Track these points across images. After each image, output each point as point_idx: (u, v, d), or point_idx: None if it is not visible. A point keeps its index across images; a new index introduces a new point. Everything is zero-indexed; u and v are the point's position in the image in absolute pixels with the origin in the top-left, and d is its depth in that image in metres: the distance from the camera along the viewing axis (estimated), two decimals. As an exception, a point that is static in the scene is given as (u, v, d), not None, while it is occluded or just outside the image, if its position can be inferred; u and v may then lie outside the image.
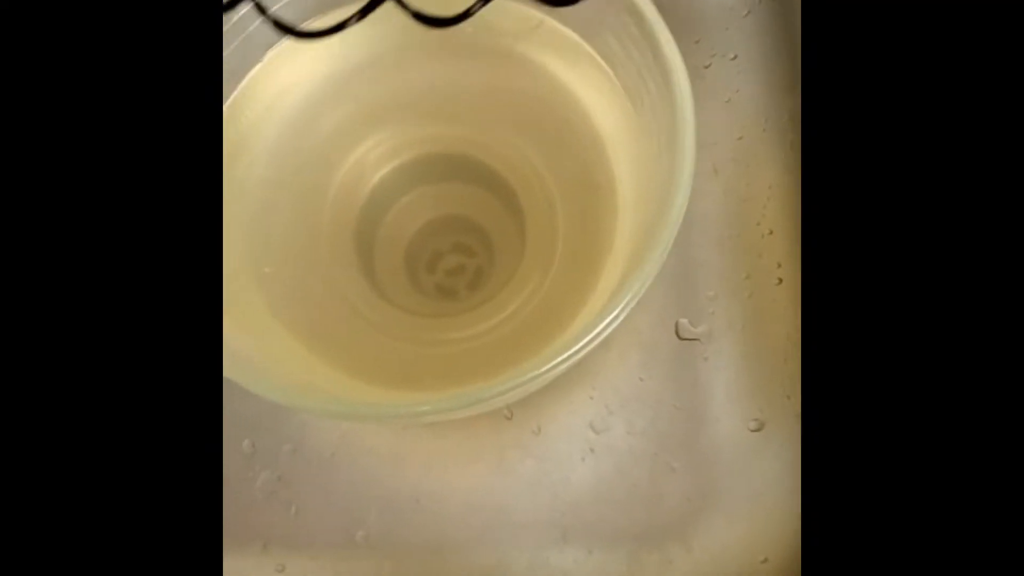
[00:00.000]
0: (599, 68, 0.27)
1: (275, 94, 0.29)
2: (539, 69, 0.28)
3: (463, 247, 0.32)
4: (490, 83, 0.29)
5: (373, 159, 0.30)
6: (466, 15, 0.21)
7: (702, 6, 0.32)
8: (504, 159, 0.30)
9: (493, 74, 0.29)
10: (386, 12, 0.30)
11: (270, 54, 0.28)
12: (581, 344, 0.21)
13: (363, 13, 0.21)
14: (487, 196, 0.31)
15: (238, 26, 0.26)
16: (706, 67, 0.32)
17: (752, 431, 0.27)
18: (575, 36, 0.28)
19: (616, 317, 0.21)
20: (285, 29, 0.21)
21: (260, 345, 0.26)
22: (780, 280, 0.28)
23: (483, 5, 0.21)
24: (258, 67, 0.28)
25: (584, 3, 0.26)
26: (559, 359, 0.21)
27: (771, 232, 0.29)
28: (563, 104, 0.28)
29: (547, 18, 0.28)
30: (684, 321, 0.29)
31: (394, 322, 0.28)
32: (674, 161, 0.22)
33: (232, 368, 0.22)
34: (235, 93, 0.28)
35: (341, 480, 0.28)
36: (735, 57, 0.32)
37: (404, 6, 0.21)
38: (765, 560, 0.26)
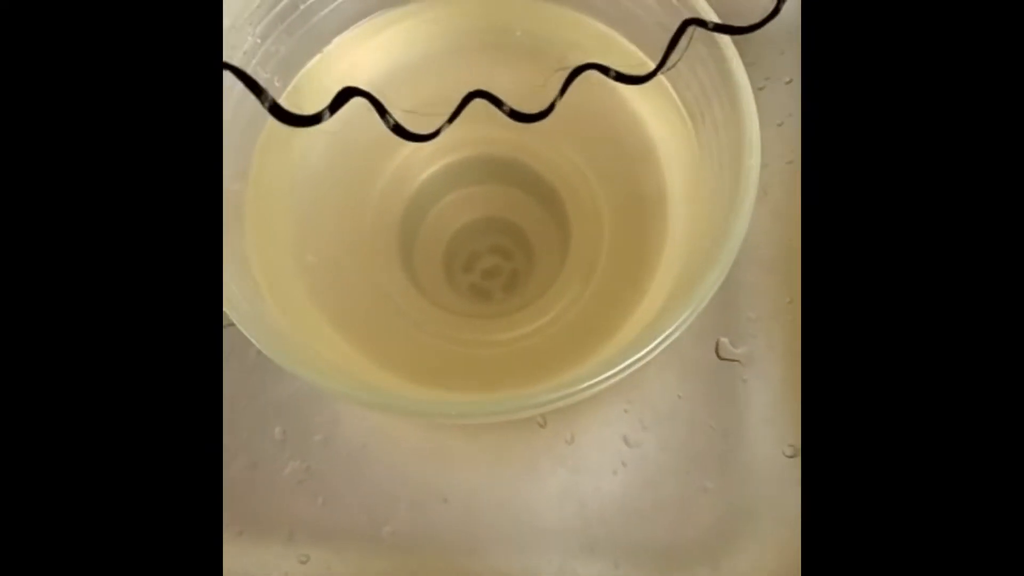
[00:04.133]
0: (658, 82, 0.27)
1: (332, 85, 0.29)
2: (596, 79, 0.28)
3: (501, 249, 0.32)
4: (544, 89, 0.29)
5: (422, 156, 0.30)
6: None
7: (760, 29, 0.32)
8: (553, 165, 0.30)
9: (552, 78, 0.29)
10: (443, 12, 0.30)
11: (330, 46, 0.28)
12: (628, 362, 0.21)
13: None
14: (531, 201, 0.31)
15: (304, 15, 0.26)
16: (760, 89, 0.32)
17: (787, 456, 0.27)
18: (634, 48, 0.28)
19: (667, 337, 0.21)
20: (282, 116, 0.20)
21: (298, 329, 0.26)
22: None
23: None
24: (317, 57, 0.28)
25: (650, 19, 0.26)
26: (602, 376, 0.21)
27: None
28: (617, 115, 0.28)
29: (611, 32, 0.28)
30: (725, 341, 0.29)
31: (431, 319, 0.28)
32: (737, 187, 0.22)
33: (269, 346, 0.22)
34: (294, 80, 0.28)
35: (370, 474, 0.28)
36: (790, 81, 0.32)
37: (498, 103, 0.22)
38: (794, 587, 0.26)
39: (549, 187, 0.30)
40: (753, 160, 0.22)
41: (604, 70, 0.22)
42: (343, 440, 0.28)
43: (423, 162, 0.30)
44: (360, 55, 0.29)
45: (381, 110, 0.21)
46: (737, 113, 0.22)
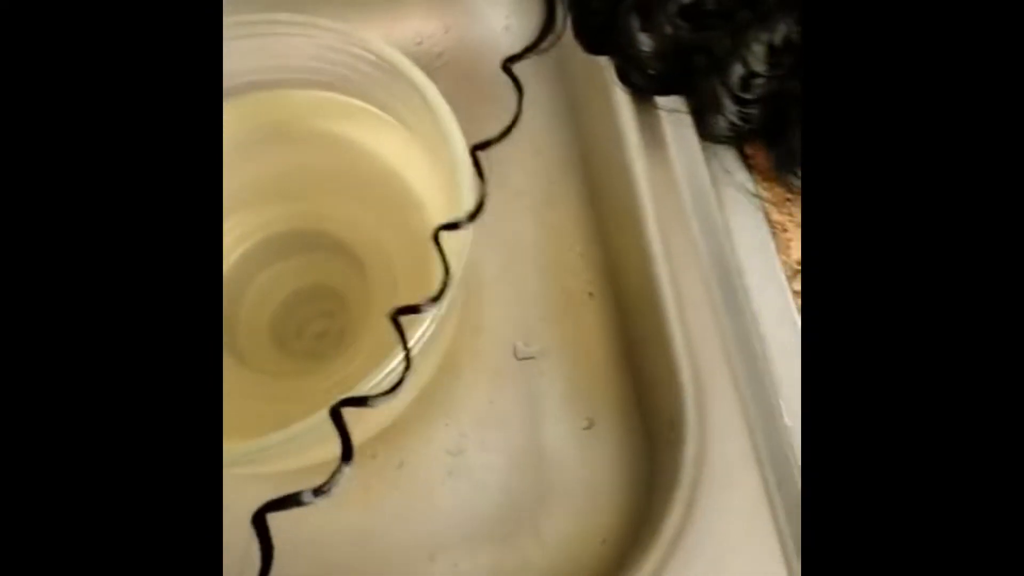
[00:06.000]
0: (396, 129, 0.31)
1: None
2: (355, 143, 0.32)
3: (325, 312, 0.35)
4: (322, 161, 0.33)
5: (229, 241, 0.33)
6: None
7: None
8: (347, 225, 0.33)
9: (324, 153, 0.33)
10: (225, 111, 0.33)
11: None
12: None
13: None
14: (337, 262, 0.34)
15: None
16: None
17: (584, 429, 0.30)
18: (376, 110, 0.31)
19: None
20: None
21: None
22: (591, 294, 0.32)
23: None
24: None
25: (379, 84, 0.30)
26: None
27: (581, 254, 0.33)
28: (378, 167, 0.32)
29: (353, 101, 0.31)
30: (519, 343, 0.32)
31: (247, 383, 0.30)
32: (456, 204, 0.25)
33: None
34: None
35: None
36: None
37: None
38: (603, 541, 0.28)
39: (346, 247, 0.33)
40: (465, 179, 0.25)
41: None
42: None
43: (232, 244, 0.33)
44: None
45: None
46: (442, 133, 0.26)
